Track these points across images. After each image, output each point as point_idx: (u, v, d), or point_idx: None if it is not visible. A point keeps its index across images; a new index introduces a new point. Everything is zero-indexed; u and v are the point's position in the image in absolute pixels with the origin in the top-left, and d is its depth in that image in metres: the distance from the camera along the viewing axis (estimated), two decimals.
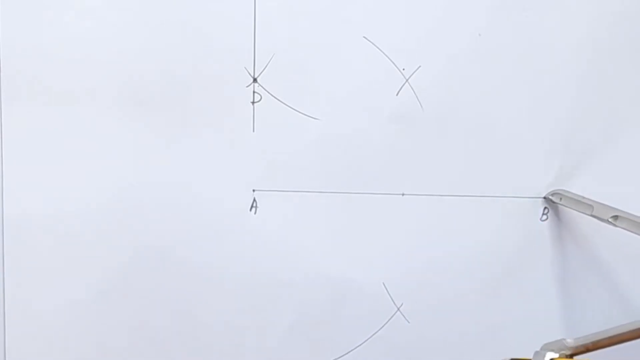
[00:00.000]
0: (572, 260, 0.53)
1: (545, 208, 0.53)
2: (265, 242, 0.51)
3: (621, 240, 0.53)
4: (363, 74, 0.51)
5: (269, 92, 0.51)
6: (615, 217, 0.49)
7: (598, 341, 0.41)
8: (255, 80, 0.51)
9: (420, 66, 0.51)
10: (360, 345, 0.52)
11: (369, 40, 0.51)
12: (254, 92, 0.51)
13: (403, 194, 0.51)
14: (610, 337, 0.41)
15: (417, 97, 0.51)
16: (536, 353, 0.42)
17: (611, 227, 0.50)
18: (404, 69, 0.51)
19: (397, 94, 0.51)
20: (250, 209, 0.51)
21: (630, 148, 0.54)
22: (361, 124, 0.51)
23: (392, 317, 0.52)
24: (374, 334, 0.52)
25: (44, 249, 0.50)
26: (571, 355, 0.42)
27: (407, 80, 0.51)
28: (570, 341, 0.42)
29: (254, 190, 0.51)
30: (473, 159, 0.52)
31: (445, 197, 0.51)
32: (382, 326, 0.52)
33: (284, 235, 0.52)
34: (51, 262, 0.50)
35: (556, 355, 0.42)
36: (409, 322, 0.52)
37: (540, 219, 0.53)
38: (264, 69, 0.51)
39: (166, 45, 0.50)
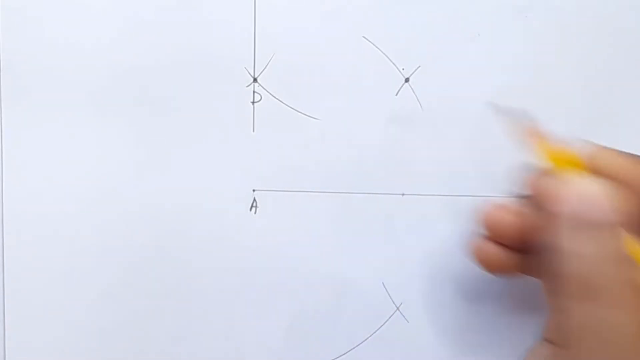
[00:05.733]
0: None
1: None
2: (265, 242, 0.52)
3: None
4: (363, 74, 0.51)
5: (269, 92, 0.51)
6: None
7: None
8: (255, 80, 0.51)
9: (420, 66, 0.51)
10: (360, 344, 0.52)
11: (369, 40, 0.51)
12: (254, 92, 0.51)
13: (403, 194, 0.51)
14: None
15: (417, 97, 0.51)
16: None
17: None
18: (403, 69, 0.51)
19: (396, 94, 0.51)
20: (250, 209, 0.52)
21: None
22: (361, 124, 0.51)
23: (391, 316, 0.52)
24: (373, 333, 0.52)
25: (45, 250, 0.51)
26: None
27: (407, 80, 0.51)
28: None
29: (254, 190, 0.52)
30: (473, 159, 0.51)
31: (445, 197, 0.51)
32: (382, 325, 0.52)
33: (284, 235, 0.52)
34: (51, 263, 0.51)
35: None
36: (408, 322, 0.52)
37: None
38: (264, 69, 0.51)
39: (165, 45, 0.50)
